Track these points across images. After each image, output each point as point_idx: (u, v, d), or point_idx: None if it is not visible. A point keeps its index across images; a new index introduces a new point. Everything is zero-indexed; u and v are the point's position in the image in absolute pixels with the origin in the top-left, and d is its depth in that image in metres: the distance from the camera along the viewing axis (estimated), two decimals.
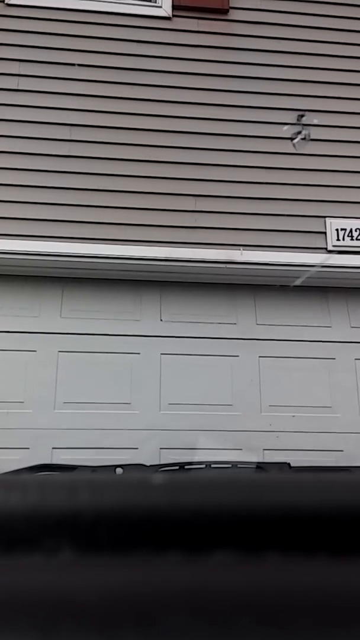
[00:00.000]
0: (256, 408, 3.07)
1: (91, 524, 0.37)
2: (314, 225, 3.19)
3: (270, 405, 3.09)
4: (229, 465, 2.26)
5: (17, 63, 3.24)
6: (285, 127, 3.28)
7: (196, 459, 2.55)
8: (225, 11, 3.45)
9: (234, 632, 0.28)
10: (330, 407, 3.13)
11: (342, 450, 2.99)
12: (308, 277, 3.04)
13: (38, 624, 0.29)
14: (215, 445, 2.85)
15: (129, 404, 3.02)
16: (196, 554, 0.35)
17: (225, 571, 0.34)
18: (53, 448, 2.87)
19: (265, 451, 2.97)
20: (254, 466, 2.33)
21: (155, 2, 3.47)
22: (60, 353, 3.06)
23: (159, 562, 0.35)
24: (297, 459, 2.93)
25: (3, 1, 3.30)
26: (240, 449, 2.93)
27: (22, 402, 2.96)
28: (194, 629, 0.28)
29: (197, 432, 2.87)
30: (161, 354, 3.11)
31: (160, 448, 2.90)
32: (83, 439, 2.90)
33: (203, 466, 2.13)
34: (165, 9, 3.43)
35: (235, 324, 3.24)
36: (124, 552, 0.36)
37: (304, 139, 3.26)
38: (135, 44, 3.35)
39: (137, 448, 2.90)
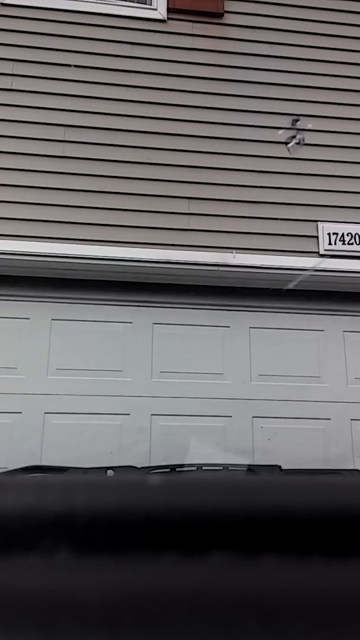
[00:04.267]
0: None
1: (88, 525, 0.38)
2: (306, 229, 3.21)
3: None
4: (220, 468, 2.27)
5: (12, 63, 3.23)
6: (280, 131, 3.30)
7: (187, 461, 2.55)
8: (220, 15, 3.47)
9: (234, 632, 0.28)
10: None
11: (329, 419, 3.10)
12: (301, 281, 3.06)
13: (37, 624, 0.29)
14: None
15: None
16: (193, 555, 0.35)
17: (223, 572, 0.34)
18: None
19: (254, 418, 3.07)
20: (245, 469, 2.34)
21: (151, 5, 3.48)
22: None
23: (156, 563, 0.35)
24: (285, 427, 3.04)
25: None
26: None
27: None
28: (194, 629, 0.28)
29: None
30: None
31: (152, 414, 2.99)
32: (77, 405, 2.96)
33: (194, 469, 2.13)
34: (161, 12, 3.44)
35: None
36: (121, 553, 0.36)
37: (298, 143, 3.28)
38: (130, 45, 3.35)
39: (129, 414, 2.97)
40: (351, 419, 3.14)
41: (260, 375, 3.17)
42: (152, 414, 3.01)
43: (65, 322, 3.11)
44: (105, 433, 2.94)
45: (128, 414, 3.00)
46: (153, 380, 3.07)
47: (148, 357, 3.10)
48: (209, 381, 3.10)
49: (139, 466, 2.15)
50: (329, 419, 3.13)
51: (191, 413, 3.03)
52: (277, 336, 3.22)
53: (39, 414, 2.94)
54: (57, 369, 3.03)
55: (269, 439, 3.03)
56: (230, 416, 3.06)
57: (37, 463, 2.85)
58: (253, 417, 3.09)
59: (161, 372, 3.09)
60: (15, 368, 3.00)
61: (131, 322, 3.16)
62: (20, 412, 2.94)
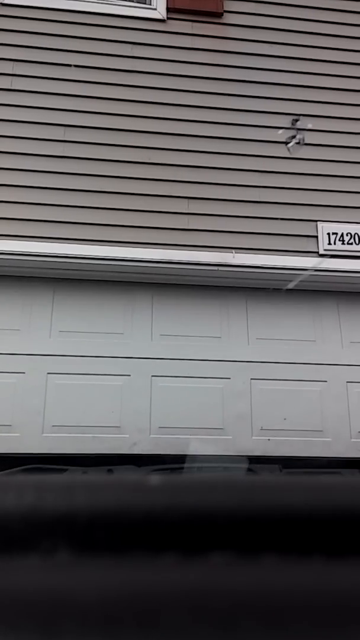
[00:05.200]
0: None
1: (88, 525, 0.38)
2: (305, 229, 3.21)
3: None
4: (220, 468, 2.26)
5: (12, 63, 3.23)
6: (280, 131, 3.29)
7: (187, 460, 2.55)
8: (219, 14, 3.47)
9: (234, 632, 0.28)
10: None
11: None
12: (300, 281, 3.06)
13: (37, 624, 0.29)
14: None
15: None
16: (193, 556, 0.35)
17: (223, 572, 0.34)
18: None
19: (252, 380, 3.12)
20: (245, 469, 2.33)
21: (150, 4, 3.48)
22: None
23: (156, 564, 0.35)
24: (283, 388, 3.10)
25: None
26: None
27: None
28: (194, 629, 0.28)
29: None
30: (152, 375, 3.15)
31: (152, 375, 3.06)
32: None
33: (194, 469, 2.13)
34: (160, 11, 3.44)
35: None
36: (121, 553, 0.36)
37: (298, 143, 3.28)
38: (130, 45, 3.35)
39: (129, 375, 3.04)
40: (347, 382, 3.19)
41: (258, 338, 3.21)
42: (152, 375, 3.07)
43: (68, 286, 3.18)
44: (107, 393, 3.01)
45: (129, 375, 3.06)
46: (153, 342, 3.13)
47: (148, 321, 3.16)
48: (208, 344, 3.15)
49: (138, 466, 2.15)
50: (326, 381, 3.18)
51: (190, 375, 3.08)
52: (274, 301, 3.27)
53: (42, 374, 3.01)
54: (60, 331, 3.09)
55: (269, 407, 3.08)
56: (229, 378, 3.12)
57: (40, 421, 2.90)
58: (251, 379, 3.13)
59: (161, 335, 3.15)
60: (19, 330, 3.06)
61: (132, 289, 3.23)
62: (24, 372, 3.01)
